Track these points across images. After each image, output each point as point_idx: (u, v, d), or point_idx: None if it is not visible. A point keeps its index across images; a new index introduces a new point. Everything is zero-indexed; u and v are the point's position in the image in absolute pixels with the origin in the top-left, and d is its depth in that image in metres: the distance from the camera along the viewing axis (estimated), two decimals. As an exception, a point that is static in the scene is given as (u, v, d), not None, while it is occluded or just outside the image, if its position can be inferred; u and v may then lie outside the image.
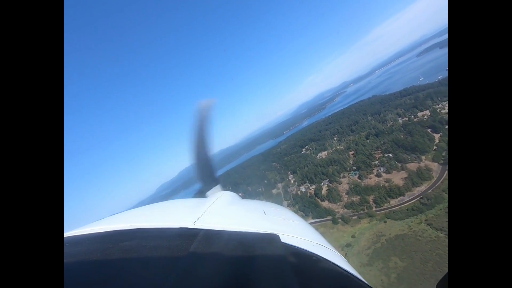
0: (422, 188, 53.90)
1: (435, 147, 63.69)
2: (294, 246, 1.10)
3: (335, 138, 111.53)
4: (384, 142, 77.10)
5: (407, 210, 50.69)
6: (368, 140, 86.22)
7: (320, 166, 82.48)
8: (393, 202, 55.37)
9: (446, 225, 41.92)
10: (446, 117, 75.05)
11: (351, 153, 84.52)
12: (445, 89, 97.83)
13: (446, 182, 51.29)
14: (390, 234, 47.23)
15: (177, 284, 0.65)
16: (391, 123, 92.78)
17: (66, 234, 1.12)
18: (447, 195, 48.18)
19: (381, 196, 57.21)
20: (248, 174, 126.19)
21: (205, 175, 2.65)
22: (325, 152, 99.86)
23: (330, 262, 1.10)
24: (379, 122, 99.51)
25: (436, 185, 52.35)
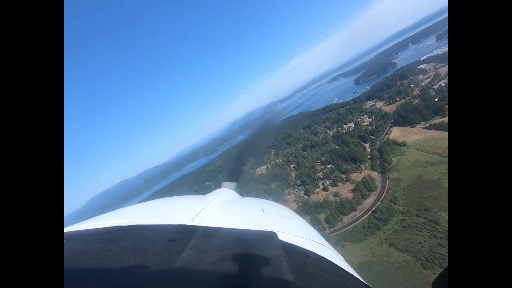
0: (371, 199, 49.42)
1: (369, 156, 63.49)
2: (291, 244, 1.08)
3: (272, 152, 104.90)
4: (322, 153, 73.64)
5: (363, 228, 44.02)
6: (305, 152, 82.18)
7: (262, 183, 70.88)
8: (346, 219, 48.39)
9: (409, 244, 36.20)
10: (370, 128, 79.90)
11: (292, 166, 77.44)
12: (359, 105, 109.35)
13: (391, 191, 48.38)
14: (353, 263, 38.18)
15: (175, 280, 0.65)
16: (322, 135, 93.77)
17: (65, 229, 1.10)
18: (396, 206, 44.43)
19: (333, 213, 49.59)
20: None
21: (234, 170, 2.89)
22: (264, 167, 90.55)
23: (328, 260, 1.08)
24: (312, 135, 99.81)
25: (383, 195, 48.69)
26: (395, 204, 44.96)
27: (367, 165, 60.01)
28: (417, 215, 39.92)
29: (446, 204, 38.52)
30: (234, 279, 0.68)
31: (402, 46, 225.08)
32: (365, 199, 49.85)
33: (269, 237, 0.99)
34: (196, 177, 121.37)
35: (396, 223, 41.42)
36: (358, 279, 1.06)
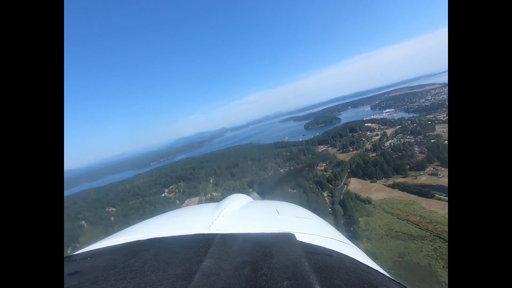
0: (340, 286, 31.73)
1: (329, 209, 49.22)
2: (311, 244, 1.05)
3: (211, 181, 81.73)
4: (274, 197, 56.57)
5: None
6: (252, 190, 63.38)
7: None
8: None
9: None
10: (326, 174, 69.10)
11: (232, 206, 56.05)
12: (312, 148, 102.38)
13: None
14: None
15: None
16: (272, 171, 78.81)
17: (87, 248, 1.12)
18: None
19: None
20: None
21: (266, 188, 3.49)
22: (196, 199, 66.07)
23: (350, 257, 1.04)
24: (261, 169, 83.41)
25: (357, 280, 31.88)
26: None
27: (327, 219, 44.64)
28: (421, 336, 23.78)
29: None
30: (255, 284, 0.66)
31: (343, 107, 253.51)
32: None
33: (288, 238, 0.96)
34: (97, 198, 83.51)
35: None
36: (384, 275, 0.99)
